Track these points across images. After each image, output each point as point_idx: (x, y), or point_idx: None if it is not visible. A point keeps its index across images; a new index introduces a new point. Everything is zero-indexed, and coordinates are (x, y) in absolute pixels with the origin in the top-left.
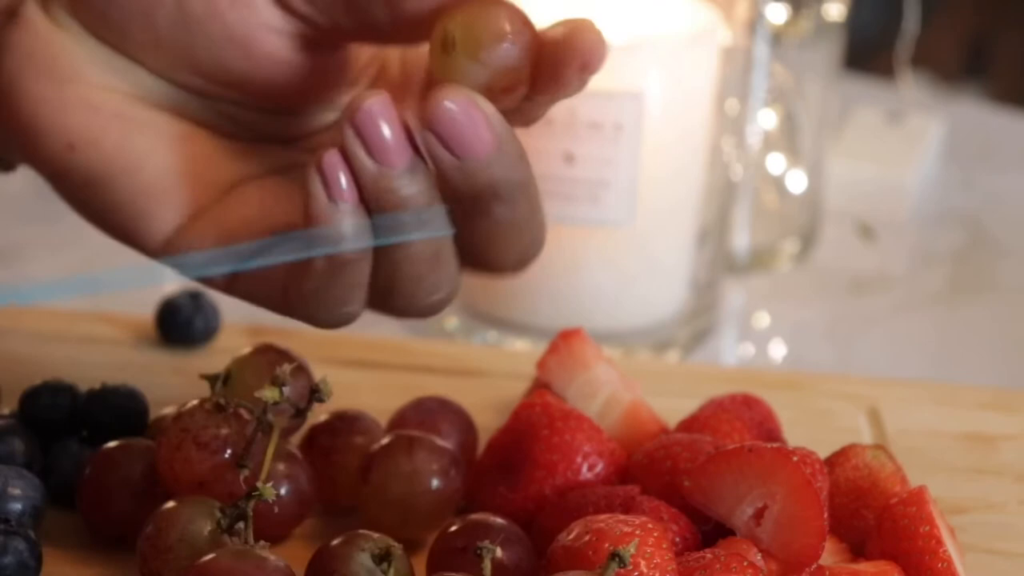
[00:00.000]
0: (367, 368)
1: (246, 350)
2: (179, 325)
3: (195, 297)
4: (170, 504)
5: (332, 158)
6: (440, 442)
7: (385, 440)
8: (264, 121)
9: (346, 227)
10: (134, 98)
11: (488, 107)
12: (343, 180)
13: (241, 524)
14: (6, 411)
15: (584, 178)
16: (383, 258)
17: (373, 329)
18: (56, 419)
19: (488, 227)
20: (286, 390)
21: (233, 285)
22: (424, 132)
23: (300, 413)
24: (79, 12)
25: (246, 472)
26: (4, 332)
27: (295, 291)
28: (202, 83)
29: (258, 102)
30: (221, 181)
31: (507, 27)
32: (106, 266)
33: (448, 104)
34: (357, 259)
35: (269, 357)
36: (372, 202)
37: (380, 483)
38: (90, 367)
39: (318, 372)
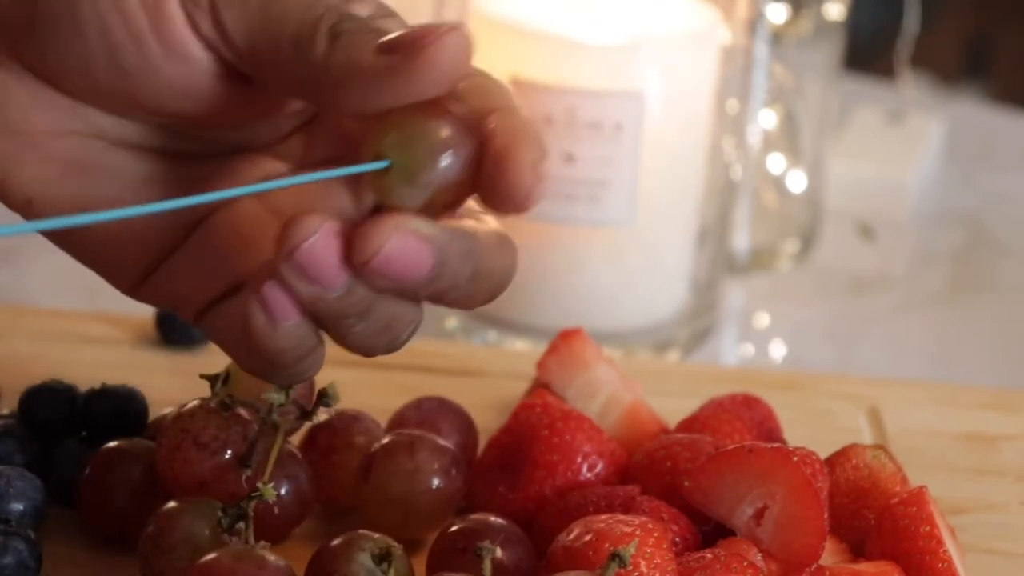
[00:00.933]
0: (367, 368)
1: None
2: (179, 325)
3: None
4: (172, 504)
5: (270, 292)
6: (441, 441)
7: (386, 439)
8: (229, 136)
9: (286, 343)
10: (91, 139)
11: (426, 230)
12: (282, 308)
13: (242, 524)
14: (6, 411)
15: (584, 178)
16: (335, 335)
17: None
18: (56, 419)
19: (441, 302)
20: (291, 391)
21: (200, 322)
22: (360, 266)
23: (305, 415)
24: (20, 56)
25: (248, 472)
26: (4, 332)
27: (247, 353)
28: (153, 118)
29: (214, 127)
30: (191, 218)
31: (445, 145)
32: None
33: (381, 244)
34: (300, 357)
35: None
36: (312, 316)
37: (381, 482)
38: (90, 367)
39: (319, 373)
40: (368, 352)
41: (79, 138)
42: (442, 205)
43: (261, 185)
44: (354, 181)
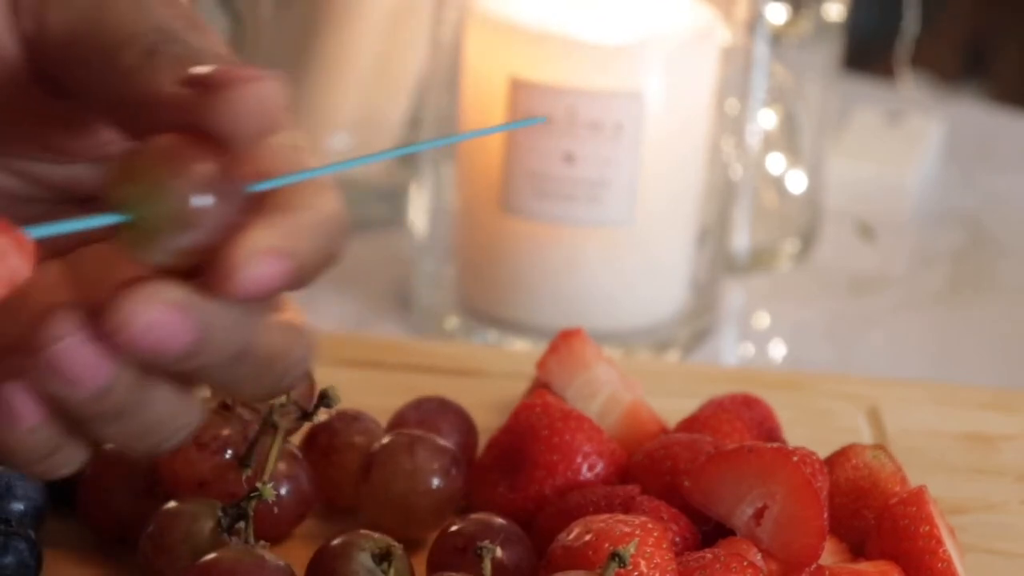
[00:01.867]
0: (367, 368)
1: None
2: None
3: None
4: (172, 504)
5: (10, 394)
6: (441, 441)
7: (386, 439)
8: (55, 175)
9: (32, 443)
10: None
11: (177, 297)
12: (21, 410)
13: (242, 524)
14: None
15: (584, 178)
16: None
17: (373, 329)
18: None
19: (214, 386)
20: (292, 392)
21: None
22: (108, 340)
23: (306, 416)
24: None
25: (248, 472)
26: None
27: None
28: None
29: (24, 141)
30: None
31: (187, 212)
32: None
33: (128, 321)
34: (50, 451)
35: None
36: (62, 415)
37: (381, 481)
38: None
39: (319, 373)
40: (129, 451)
41: None
42: (192, 262)
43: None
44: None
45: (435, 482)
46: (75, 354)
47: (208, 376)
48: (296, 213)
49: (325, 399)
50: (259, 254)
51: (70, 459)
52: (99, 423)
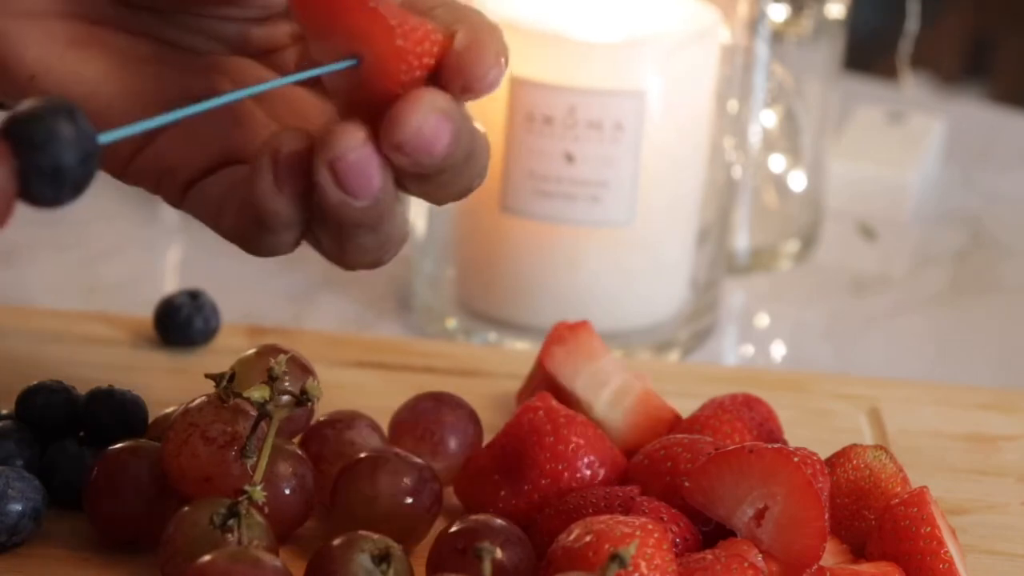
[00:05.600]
0: (368, 368)
1: (250, 351)
2: (178, 325)
3: (194, 297)
4: (187, 507)
5: (291, 160)
6: (412, 459)
7: (355, 458)
8: (219, 30)
9: (288, 213)
10: (89, 22)
11: (447, 106)
12: (292, 176)
13: (233, 522)
14: (4, 411)
15: (584, 178)
16: (322, 231)
17: (373, 329)
18: (52, 419)
19: (431, 187)
20: (286, 383)
21: (182, 202)
22: (319, 171)
23: (300, 403)
24: None
25: (252, 460)
26: (4, 332)
27: (231, 220)
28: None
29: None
30: (179, 96)
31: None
32: (106, 266)
33: (418, 126)
34: (293, 231)
35: (263, 362)
36: (323, 212)
37: (344, 507)
38: (89, 367)
39: (319, 373)
40: (354, 265)
41: (78, 20)
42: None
43: (243, 92)
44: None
45: (399, 505)
46: (365, 163)
47: (446, 180)
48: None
49: (304, 395)
50: (498, 56)
51: (292, 239)
52: (350, 236)
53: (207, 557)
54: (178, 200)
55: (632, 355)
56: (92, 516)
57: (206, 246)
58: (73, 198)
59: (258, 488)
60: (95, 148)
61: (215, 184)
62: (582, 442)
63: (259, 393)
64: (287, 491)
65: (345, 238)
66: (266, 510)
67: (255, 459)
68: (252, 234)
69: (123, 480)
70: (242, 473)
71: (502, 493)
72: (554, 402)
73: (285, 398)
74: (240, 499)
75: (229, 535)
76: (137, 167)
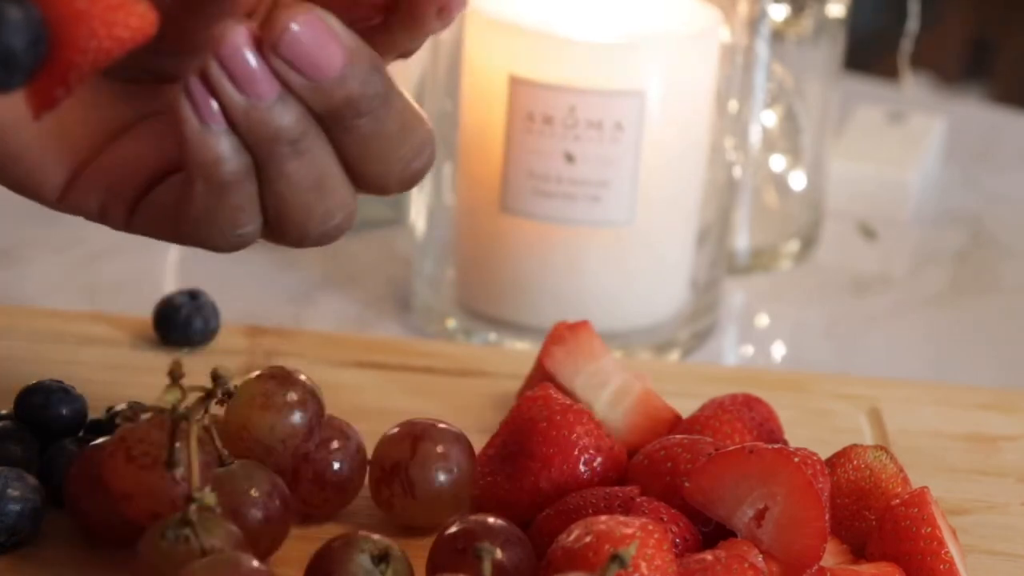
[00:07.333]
0: (367, 368)
1: (254, 373)
2: (178, 325)
3: (194, 297)
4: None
5: (197, 84)
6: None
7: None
8: (155, 60)
9: (220, 149)
10: None
11: (334, 23)
12: (212, 103)
13: (188, 531)
14: (3, 411)
15: (584, 178)
16: (267, 189)
17: (373, 329)
18: (51, 420)
19: (358, 143)
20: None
21: (131, 221)
22: (273, 57)
23: (210, 396)
24: None
25: (180, 471)
26: (4, 332)
27: (184, 218)
28: None
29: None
30: (111, 125)
31: None
32: (107, 266)
33: (293, 27)
34: (236, 181)
35: (268, 386)
36: (246, 134)
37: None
38: (88, 367)
39: (319, 373)
40: (301, 231)
41: None
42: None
43: None
44: None
45: (252, 518)
46: (244, 60)
47: (358, 126)
48: None
49: (219, 379)
50: None
51: (254, 229)
52: (278, 152)
53: (186, 568)
54: (126, 219)
55: (632, 355)
56: (71, 513)
57: None
58: (23, 83)
59: (207, 490)
60: (44, 32)
61: (165, 192)
62: (578, 430)
63: (170, 396)
64: (336, 467)
65: (268, 161)
66: (218, 511)
67: (182, 468)
68: (210, 216)
69: (97, 479)
70: (164, 491)
71: (498, 479)
72: (553, 392)
73: (196, 395)
74: (188, 508)
75: (190, 546)
76: (76, 193)
